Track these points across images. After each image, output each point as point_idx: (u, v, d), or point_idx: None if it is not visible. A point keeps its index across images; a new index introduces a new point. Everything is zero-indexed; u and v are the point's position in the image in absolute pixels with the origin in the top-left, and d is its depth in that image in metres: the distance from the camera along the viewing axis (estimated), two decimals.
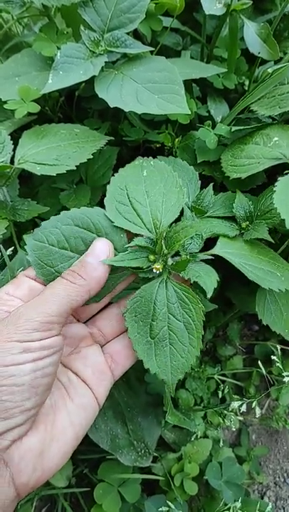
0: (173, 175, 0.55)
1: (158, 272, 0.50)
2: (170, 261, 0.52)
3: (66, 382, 0.49)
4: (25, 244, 0.51)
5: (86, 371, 0.51)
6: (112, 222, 0.52)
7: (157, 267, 0.50)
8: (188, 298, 0.50)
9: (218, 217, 0.64)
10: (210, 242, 0.59)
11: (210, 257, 0.55)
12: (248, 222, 0.62)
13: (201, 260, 0.55)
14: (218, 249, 0.57)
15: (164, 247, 0.51)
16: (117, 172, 0.57)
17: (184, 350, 0.50)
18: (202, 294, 0.55)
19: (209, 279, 0.51)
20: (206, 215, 0.63)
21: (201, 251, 0.57)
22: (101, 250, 0.49)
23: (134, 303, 0.50)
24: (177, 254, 0.54)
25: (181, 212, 0.55)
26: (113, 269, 0.50)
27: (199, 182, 0.65)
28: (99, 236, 0.51)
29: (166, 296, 0.51)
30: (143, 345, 0.50)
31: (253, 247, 0.59)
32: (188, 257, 0.54)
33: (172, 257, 0.52)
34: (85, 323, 0.56)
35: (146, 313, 0.50)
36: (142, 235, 0.52)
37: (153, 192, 0.55)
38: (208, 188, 0.64)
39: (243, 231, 0.62)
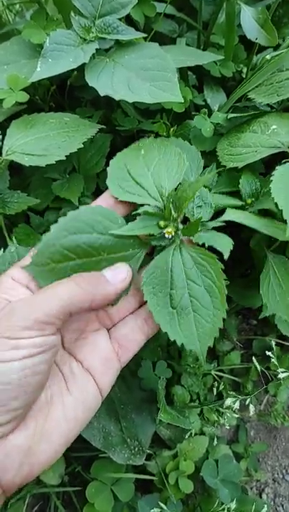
0: (170, 145, 0.55)
1: (170, 236, 0.49)
2: (181, 226, 0.51)
3: (67, 374, 0.48)
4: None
5: (93, 359, 0.50)
6: (117, 198, 0.52)
7: (169, 230, 0.49)
8: (205, 260, 0.49)
9: (222, 193, 0.63)
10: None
11: (222, 224, 0.54)
12: (253, 199, 0.61)
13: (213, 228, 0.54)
14: (228, 216, 0.55)
15: (172, 211, 0.50)
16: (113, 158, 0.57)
17: (209, 314, 0.48)
18: None
19: (224, 242, 0.50)
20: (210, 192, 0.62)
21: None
22: (121, 271, 0.49)
23: (150, 274, 0.49)
24: (187, 221, 0.53)
25: None
26: (126, 258, 0.50)
27: (202, 160, 0.63)
28: (102, 234, 0.50)
29: (182, 262, 0.49)
30: (165, 316, 0.48)
31: (261, 218, 0.57)
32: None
33: (182, 223, 0.52)
34: None
35: (164, 283, 0.49)
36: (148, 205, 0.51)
37: (153, 164, 0.55)
38: (211, 166, 0.63)
39: (247, 206, 0.61)
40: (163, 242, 0.51)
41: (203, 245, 0.50)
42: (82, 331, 0.51)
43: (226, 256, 0.48)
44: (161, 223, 0.50)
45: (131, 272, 0.50)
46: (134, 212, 0.51)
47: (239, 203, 0.60)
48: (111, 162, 0.56)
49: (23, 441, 0.42)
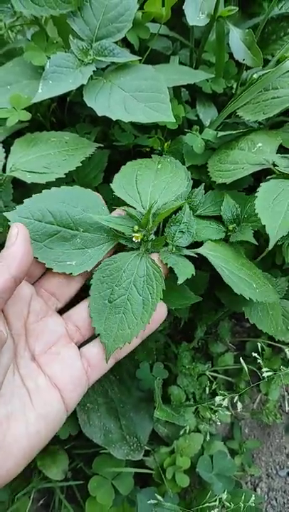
0: (182, 169, 0.61)
1: (137, 241, 0.54)
2: (152, 237, 0.56)
3: (32, 388, 0.48)
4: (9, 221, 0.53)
5: (63, 376, 0.51)
6: (113, 194, 0.58)
7: (137, 235, 0.54)
8: (154, 276, 0.53)
9: (208, 217, 0.67)
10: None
11: (193, 255, 0.58)
12: (234, 225, 0.65)
13: (186, 256, 0.58)
14: (203, 250, 0.59)
15: (150, 221, 0.54)
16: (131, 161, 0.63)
17: (134, 322, 0.52)
18: (187, 286, 0.61)
19: (184, 270, 0.55)
20: (196, 213, 0.66)
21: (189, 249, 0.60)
22: (13, 232, 0.49)
23: (106, 264, 0.54)
24: (166, 245, 0.58)
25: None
26: (95, 242, 0.55)
27: (191, 181, 0.67)
28: (84, 211, 0.55)
29: (136, 267, 0.54)
30: (99, 305, 0.53)
31: (239, 257, 0.61)
32: (174, 247, 0.58)
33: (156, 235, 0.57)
34: (60, 314, 0.56)
35: (113, 278, 0.53)
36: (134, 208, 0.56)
37: (159, 180, 0.60)
38: (200, 188, 0.67)
39: (229, 233, 0.65)
40: (130, 244, 0.56)
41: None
42: (54, 343, 0.53)
43: (179, 282, 0.53)
44: (136, 228, 0.55)
45: (21, 224, 0.50)
46: (122, 208, 0.56)
47: (219, 235, 0.64)
48: (128, 163, 0.62)
49: None
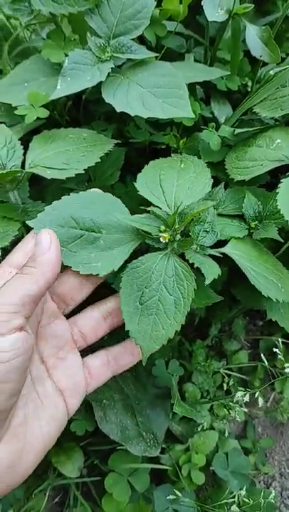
0: (205, 170, 0.60)
1: (165, 241, 0.54)
2: (178, 237, 0.55)
3: (41, 392, 0.50)
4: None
5: (67, 382, 0.52)
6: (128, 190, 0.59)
7: (165, 236, 0.53)
8: (184, 275, 0.53)
9: (229, 215, 0.67)
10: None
11: (218, 254, 0.58)
12: (257, 222, 0.64)
13: (210, 255, 0.58)
14: (228, 249, 0.59)
15: (176, 221, 0.54)
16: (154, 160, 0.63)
17: (167, 323, 0.51)
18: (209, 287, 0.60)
19: (211, 269, 0.54)
20: (217, 212, 0.66)
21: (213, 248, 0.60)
22: (46, 239, 0.49)
23: (135, 266, 0.53)
24: (190, 244, 0.57)
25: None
26: (119, 242, 0.55)
27: (212, 180, 0.67)
28: (105, 215, 0.55)
29: (165, 267, 0.53)
30: (131, 308, 0.52)
31: (261, 253, 0.61)
32: (198, 247, 0.57)
33: (182, 236, 0.56)
34: (67, 318, 0.57)
35: (143, 280, 0.53)
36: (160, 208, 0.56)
37: (183, 179, 0.59)
38: (219, 186, 0.67)
39: (252, 230, 0.64)
40: (156, 245, 0.55)
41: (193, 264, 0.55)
42: (61, 348, 0.54)
43: (207, 281, 0.52)
44: (162, 228, 0.54)
45: (50, 231, 0.50)
46: (148, 208, 0.55)
47: (242, 232, 0.63)
48: (151, 163, 0.62)
49: (4, 455, 0.44)
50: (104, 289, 0.60)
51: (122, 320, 0.53)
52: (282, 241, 0.62)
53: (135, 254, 0.56)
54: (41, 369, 0.52)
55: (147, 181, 0.59)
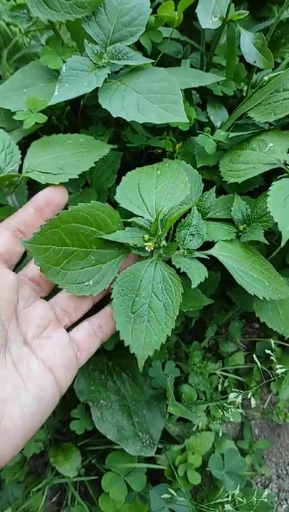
0: (182, 173, 0.61)
1: (150, 249, 0.55)
2: (163, 243, 0.56)
3: (25, 373, 0.50)
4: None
5: (56, 359, 0.53)
6: (117, 204, 0.59)
7: (149, 244, 0.55)
8: (171, 280, 0.55)
9: (218, 219, 0.68)
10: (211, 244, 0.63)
11: (205, 257, 0.59)
12: (245, 225, 0.66)
13: (197, 258, 0.59)
14: (214, 251, 0.61)
15: (159, 228, 0.55)
16: (126, 174, 0.64)
17: (159, 328, 0.53)
18: (199, 287, 0.60)
19: (198, 273, 0.56)
20: (207, 216, 0.67)
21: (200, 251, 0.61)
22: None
23: (124, 277, 0.55)
24: (177, 248, 0.59)
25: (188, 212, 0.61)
26: (108, 257, 0.56)
27: (202, 185, 0.69)
28: (97, 229, 0.56)
29: (152, 275, 0.55)
30: (123, 317, 0.54)
31: (250, 254, 0.62)
32: (185, 251, 0.58)
33: (167, 240, 0.58)
34: (46, 299, 0.58)
35: (132, 289, 0.54)
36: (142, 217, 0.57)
37: (161, 186, 0.61)
38: (210, 191, 0.68)
39: (240, 233, 0.66)
40: (143, 254, 0.57)
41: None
42: (45, 327, 0.55)
43: (193, 285, 0.54)
44: (146, 237, 0.56)
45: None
46: (126, 220, 0.57)
47: (230, 235, 0.64)
48: (128, 174, 0.63)
49: None
50: None
51: (103, 292, 0.56)
52: (268, 243, 0.63)
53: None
54: (24, 350, 0.52)
55: (127, 192, 0.60)
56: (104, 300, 0.60)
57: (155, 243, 0.56)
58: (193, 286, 0.53)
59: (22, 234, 0.57)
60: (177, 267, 0.56)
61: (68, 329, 0.58)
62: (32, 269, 0.58)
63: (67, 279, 0.55)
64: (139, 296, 0.54)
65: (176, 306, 0.53)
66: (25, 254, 0.58)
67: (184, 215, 0.61)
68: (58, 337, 0.55)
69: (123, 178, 0.62)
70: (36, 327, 0.54)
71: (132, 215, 0.58)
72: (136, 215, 0.58)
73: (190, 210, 0.61)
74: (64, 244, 0.55)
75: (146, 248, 0.55)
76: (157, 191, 0.60)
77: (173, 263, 0.57)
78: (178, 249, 0.59)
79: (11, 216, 0.58)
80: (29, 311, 0.55)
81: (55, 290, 0.59)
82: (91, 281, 0.55)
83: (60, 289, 0.58)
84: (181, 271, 0.56)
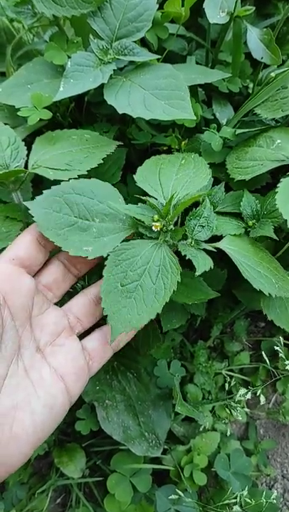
0: (205, 166, 0.62)
1: (156, 230, 0.55)
2: (171, 227, 0.56)
3: (36, 380, 0.50)
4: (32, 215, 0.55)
5: (67, 367, 0.52)
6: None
7: (157, 224, 0.54)
8: (170, 266, 0.53)
9: (227, 213, 0.68)
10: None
11: (212, 249, 0.59)
12: (254, 221, 0.65)
13: (205, 251, 0.58)
14: (222, 244, 0.60)
15: (170, 211, 0.55)
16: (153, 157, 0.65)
17: (144, 309, 0.52)
18: (205, 282, 0.62)
19: (203, 262, 0.55)
20: (215, 210, 0.67)
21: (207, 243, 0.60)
22: None
23: (123, 248, 0.54)
24: (185, 238, 0.58)
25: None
26: (110, 231, 0.56)
27: (212, 179, 0.68)
28: (100, 203, 0.57)
29: (153, 256, 0.54)
30: (111, 287, 0.53)
31: (258, 251, 0.61)
32: (193, 241, 0.58)
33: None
34: (58, 305, 0.58)
35: (128, 262, 0.53)
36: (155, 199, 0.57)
37: (182, 174, 0.61)
38: (220, 185, 0.68)
39: (249, 229, 0.65)
40: (149, 234, 0.56)
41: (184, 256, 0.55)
42: (58, 334, 0.55)
43: (197, 273, 0.53)
44: (156, 217, 0.55)
45: None
46: (143, 198, 0.56)
47: (239, 230, 0.64)
48: (151, 157, 0.64)
49: None
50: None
51: None
52: (277, 239, 0.62)
53: None
54: (37, 357, 0.52)
55: (146, 174, 0.60)
56: None
57: (163, 225, 0.55)
58: (197, 274, 0.52)
59: (45, 241, 0.56)
60: (183, 254, 0.55)
61: (81, 337, 0.57)
62: (46, 274, 0.57)
63: (66, 243, 0.55)
64: (134, 272, 0.53)
65: (168, 293, 0.52)
66: None
67: (196, 206, 0.60)
68: (70, 345, 0.55)
69: (146, 160, 0.63)
70: (50, 334, 0.54)
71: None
72: (150, 196, 0.58)
73: (202, 201, 0.61)
74: (66, 213, 0.56)
75: (154, 228, 0.54)
76: (177, 178, 0.60)
77: (179, 249, 0.56)
78: (186, 238, 0.58)
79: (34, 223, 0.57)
80: (42, 318, 0.54)
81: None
82: (90, 247, 0.55)
83: (73, 296, 0.58)
84: (187, 258, 0.55)
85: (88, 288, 0.59)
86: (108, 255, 0.53)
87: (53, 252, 0.59)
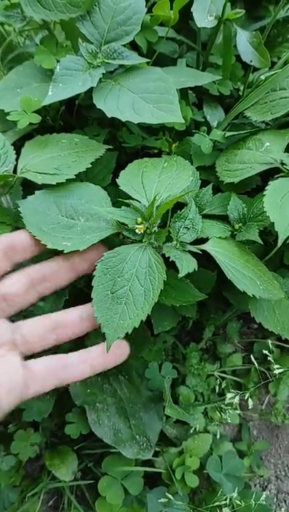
0: (187, 168, 0.63)
1: (140, 232, 0.56)
2: (155, 229, 0.57)
3: None
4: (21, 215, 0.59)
5: (1, 378, 0.51)
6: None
7: (140, 227, 0.55)
8: (156, 267, 0.54)
9: (214, 217, 0.68)
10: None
11: (197, 251, 0.59)
12: (241, 224, 0.65)
13: (190, 253, 0.59)
14: (208, 246, 0.60)
15: (153, 213, 0.56)
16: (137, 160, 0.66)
17: (135, 312, 0.53)
18: (194, 285, 0.64)
19: (187, 263, 0.55)
20: (202, 212, 0.67)
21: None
22: None
23: (110, 256, 0.55)
24: (170, 240, 0.59)
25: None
26: (93, 230, 0.58)
27: (199, 181, 0.68)
28: (87, 204, 0.59)
29: (139, 259, 0.55)
30: (101, 296, 0.54)
31: (244, 254, 0.62)
32: (178, 243, 0.58)
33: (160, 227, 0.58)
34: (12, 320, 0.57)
35: (116, 269, 0.54)
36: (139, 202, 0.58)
37: (164, 176, 0.62)
38: (207, 187, 0.68)
39: (235, 232, 0.65)
40: (133, 237, 0.57)
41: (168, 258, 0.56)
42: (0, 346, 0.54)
43: (180, 274, 0.54)
44: (139, 220, 0.56)
45: None
46: (126, 201, 0.57)
47: (225, 233, 0.64)
48: (134, 161, 0.65)
49: None
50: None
51: (70, 334, 0.57)
52: (262, 243, 0.62)
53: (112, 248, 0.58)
54: None
55: (129, 177, 0.61)
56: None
57: (147, 228, 0.56)
58: (180, 275, 0.53)
59: (12, 252, 0.57)
60: (167, 256, 0.56)
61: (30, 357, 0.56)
62: (6, 285, 0.56)
63: (48, 238, 0.56)
64: (122, 277, 0.54)
65: (156, 293, 0.53)
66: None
67: (181, 208, 0.61)
68: (9, 358, 0.53)
69: (129, 164, 0.64)
70: None
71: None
72: (133, 199, 0.58)
73: (187, 203, 0.61)
74: (53, 212, 0.59)
75: (137, 231, 0.55)
76: (159, 180, 0.61)
77: (163, 251, 0.57)
78: (171, 240, 0.59)
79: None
80: None
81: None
82: (69, 243, 0.56)
83: (29, 317, 0.58)
84: (170, 259, 0.55)
85: (50, 314, 0.59)
86: (96, 265, 0.54)
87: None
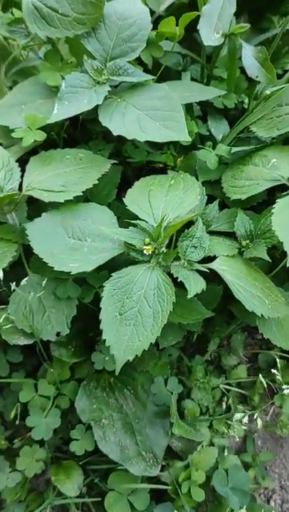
0: (195, 185, 0.62)
1: (148, 253, 0.55)
2: (163, 250, 0.57)
3: None
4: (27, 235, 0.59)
5: None
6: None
7: (148, 248, 0.55)
8: (165, 288, 0.54)
9: (221, 233, 0.67)
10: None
11: (205, 270, 0.59)
12: (248, 241, 0.65)
13: (197, 271, 0.59)
14: (215, 265, 0.60)
15: (161, 233, 0.56)
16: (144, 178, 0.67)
17: (144, 334, 0.53)
18: (199, 300, 0.63)
19: (195, 284, 0.55)
20: (209, 228, 0.67)
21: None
22: None
23: (118, 277, 0.55)
24: (178, 259, 0.59)
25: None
26: (100, 250, 0.59)
27: (206, 197, 0.68)
28: (93, 225, 0.59)
29: (147, 280, 0.55)
30: (110, 317, 0.54)
31: (251, 271, 0.61)
32: (186, 262, 0.58)
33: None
34: None
35: (124, 291, 0.54)
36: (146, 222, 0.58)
37: (172, 195, 0.62)
38: (214, 203, 0.68)
39: (243, 249, 0.65)
40: (141, 257, 0.57)
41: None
42: None
43: (189, 295, 0.54)
44: (146, 240, 0.56)
45: None
46: (133, 221, 0.57)
47: (232, 250, 0.64)
48: (141, 179, 0.65)
49: None
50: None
51: None
52: (270, 261, 0.62)
53: (120, 268, 0.57)
54: None
55: (136, 197, 0.61)
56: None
57: (155, 248, 0.55)
58: (189, 296, 0.53)
59: None
60: (175, 276, 0.56)
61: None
62: None
63: (55, 260, 0.57)
64: (130, 299, 0.54)
65: (166, 314, 0.53)
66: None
67: (188, 227, 0.60)
68: None
69: (136, 182, 0.64)
70: None
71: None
72: (141, 219, 0.58)
73: (194, 221, 0.61)
74: (61, 234, 0.59)
75: (145, 252, 0.55)
76: (166, 199, 0.60)
77: (171, 272, 0.56)
78: (178, 259, 0.59)
79: None
80: None
81: None
82: (77, 264, 0.56)
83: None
84: (179, 280, 0.55)
85: None
86: (104, 287, 0.54)
87: None
